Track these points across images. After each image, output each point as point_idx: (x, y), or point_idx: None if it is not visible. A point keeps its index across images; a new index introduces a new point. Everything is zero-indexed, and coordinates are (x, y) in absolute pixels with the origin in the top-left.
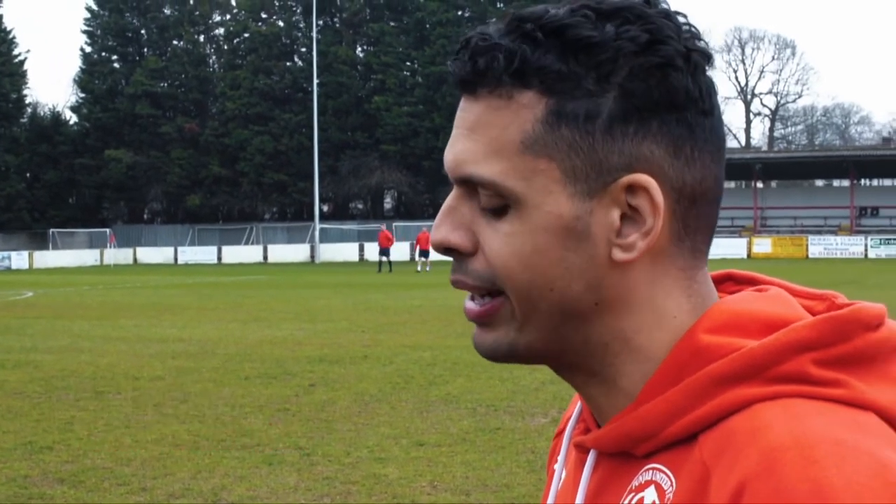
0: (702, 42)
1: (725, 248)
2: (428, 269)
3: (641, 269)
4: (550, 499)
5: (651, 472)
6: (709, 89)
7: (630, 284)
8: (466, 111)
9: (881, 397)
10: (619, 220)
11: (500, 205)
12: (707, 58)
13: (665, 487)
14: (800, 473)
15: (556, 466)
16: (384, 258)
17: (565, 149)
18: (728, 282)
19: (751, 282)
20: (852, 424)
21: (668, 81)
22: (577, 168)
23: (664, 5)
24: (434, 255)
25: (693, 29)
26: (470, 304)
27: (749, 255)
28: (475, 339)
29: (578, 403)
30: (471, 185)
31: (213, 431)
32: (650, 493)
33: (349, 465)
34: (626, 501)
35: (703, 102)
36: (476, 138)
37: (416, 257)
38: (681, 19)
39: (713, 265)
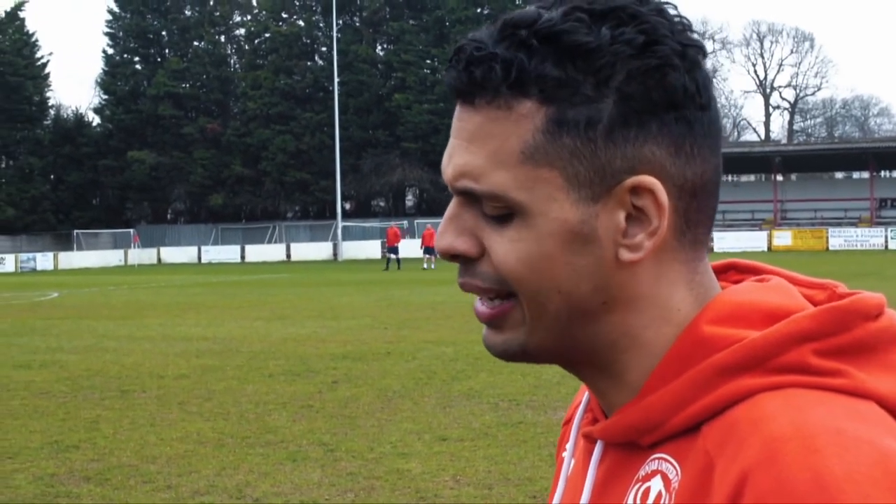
0: (694, 34)
1: (746, 241)
2: (433, 266)
3: (647, 267)
4: (560, 487)
5: (657, 461)
6: (705, 83)
7: (636, 282)
8: (464, 121)
9: (882, 386)
10: (625, 221)
11: (505, 213)
12: (701, 51)
13: (671, 477)
14: (801, 463)
15: (565, 455)
16: (392, 255)
17: (567, 156)
18: (731, 271)
19: (753, 271)
20: (853, 414)
21: (666, 81)
22: (581, 174)
23: (655, 1)
24: None
25: (685, 21)
26: (480, 307)
27: (770, 248)
28: (486, 339)
29: (586, 393)
30: (473, 195)
31: (238, 428)
32: (656, 483)
33: (372, 460)
34: (633, 491)
35: (701, 97)
36: (475, 150)
37: (422, 254)
38: (671, 11)
39: (735, 258)
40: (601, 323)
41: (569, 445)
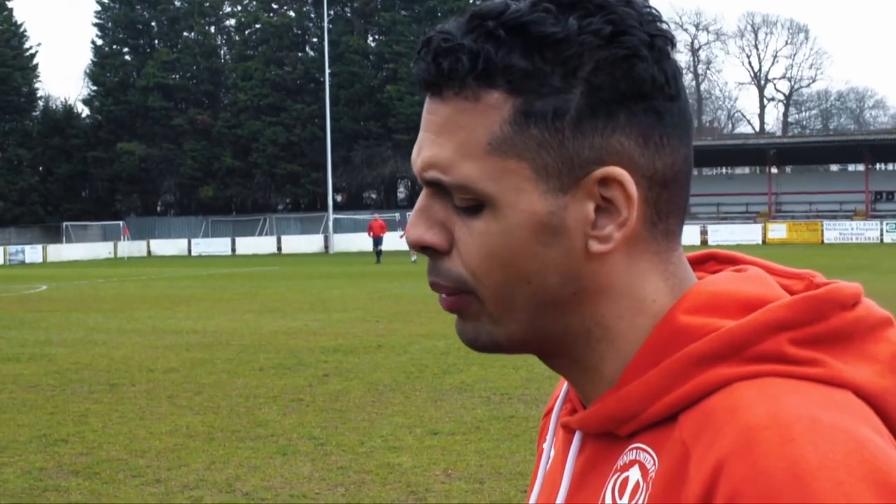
0: (664, 24)
1: (741, 234)
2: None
3: (618, 258)
4: (539, 478)
5: (635, 451)
6: (674, 74)
7: (607, 273)
8: (433, 113)
9: (858, 375)
10: (594, 212)
11: (474, 204)
12: (670, 41)
13: (648, 467)
14: (776, 451)
15: (545, 446)
16: (378, 247)
17: (535, 147)
18: (710, 262)
19: (732, 261)
20: (829, 402)
21: (634, 72)
22: (549, 165)
23: None
24: None
25: (654, 11)
26: (442, 298)
27: (764, 241)
28: (457, 328)
29: (566, 384)
30: (442, 186)
31: (228, 422)
32: (634, 473)
33: (363, 454)
34: (612, 481)
35: (670, 88)
36: (443, 142)
37: (409, 247)
38: (640, 2)
39: (730, 251)
40: (573, 314)
41: (548, 437)
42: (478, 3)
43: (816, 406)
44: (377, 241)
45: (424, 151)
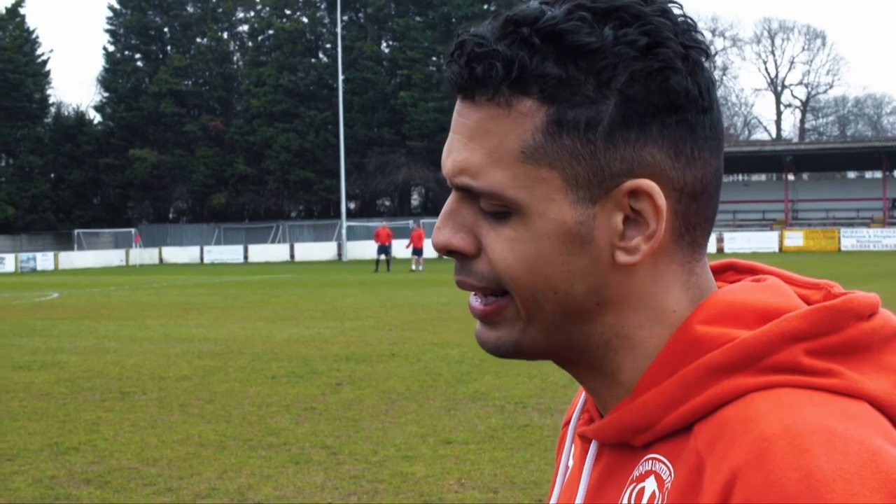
0: (699, 35)
1: (757, 241)
2: (421, 267)
3: (643, 269)
4: (556, 488)
5: (651, 462)
6: (707, 86)
7: (631, 284)
8: (464, 116)
9: (874, 386)
10: (623, 223)
11: (503, 210)
12: (705, 53)
13: (664, 477)
14: (790, 462)
15: (563, 456)
16: (383, 256)
17: (567, 157)
18: (729, 271)
19: (751, 271)
20: (844, 414)
21: (668, 84)
22: (579, 175)
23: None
24: (429, 253)
25: (689, 21)
26: (475, 302)
27: (781, 249)
28: (479, 335)
29: (584, 394)
30: (471, 191)
31: (240, 431)
32: (650, 483)
33: (376, 463)
34: (628, 492)
35: (703, 100)
36: (475, 147)
37: (411, 255)
38: (676, 11)
39: (745, 259)
40: (595, 323)
41: (566, 447)
42: (491, 9)
43: (831, 417)
44: (383, 250)
45: (454, 155)
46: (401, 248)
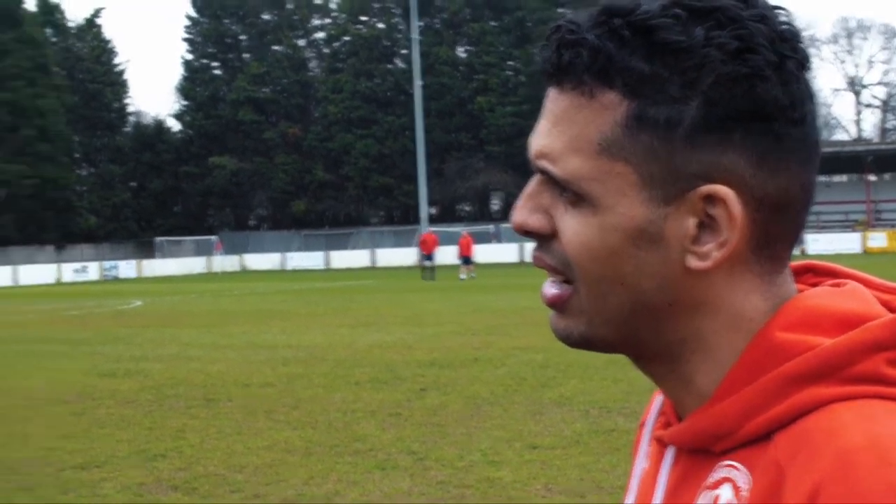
0: (800, 44)
1: (839, 243)
2: (473, 275)
3: (718, 275)
4: (632, 491)
5: (727, 469)
6: (801, 97)
7: (705, 289)
8: (552, 102)
9: None
10: (696, 228)
11: (577, 197)
12: (802, 64)
13: (741, 485)
14: (875, 476)
15: (639, 458)
16: (427, 262)
17: (643, 154)
18: (808, 274)
19: (830, 274)
20: None
21: (754, 92)
22: (654, 174)
23: (762, 4)
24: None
25: (793, 29)
26: (546, 288)
27: (864, 251)
28: (551, 321)
29: (660, 396)
30: (551, 175)
31: (326, 437)
32: (726, 491)
33: (462, 468)
34: (702, 498)
35: (794, 112)
36: (557, 134)
37: (460, 264)
38: (781, 18)
39: (828, 261)
40: (667, 323)
41: (641, 449)
42: (565, 14)
43: None
44: (428, 257)
45: (539, 139)
46: (443, 255)
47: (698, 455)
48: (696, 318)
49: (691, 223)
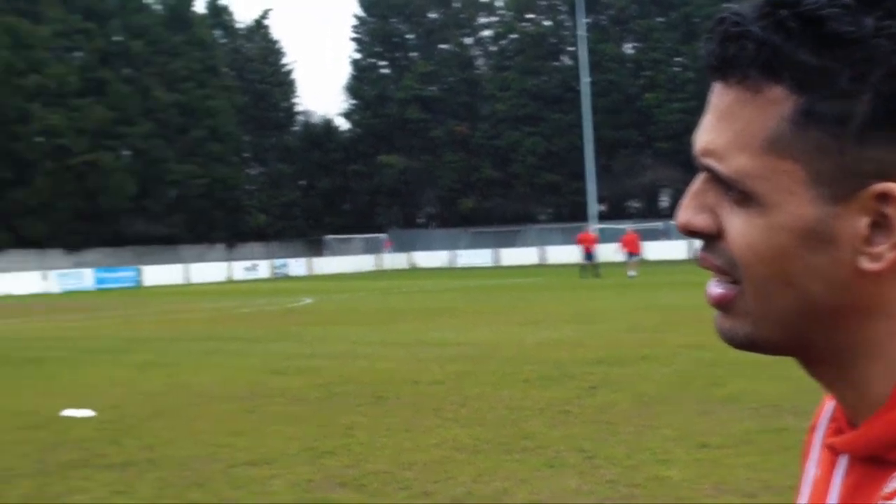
0: None
1: None
2: (633, 273)
3: (891, 277)
4: (804, 496)
5: None
6: None
7: (878, 291)
8: (716, 97)
9: None
10: (868, 228)
11: (743, 195)
12: None
13: None
14: None
15: (809, 464)
16: (587, 261)
17: (812, 151)
18: None
19: None
20: None
21: None
22: (824, 172)
23: None
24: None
25: None
26: (712, 287)
27: None
28: (715, 322)
29: (831, 401)
30: (716, 174)
31: (494, 435)
32: None
33: (631, 467)
34: None
35: None
36: (721, 130)
37: (627, 260)
38: None
39: None
40: (836, 326)
41: (812, 455)
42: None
43: None
44: (588, 256)
45: (703, 135)
46: (606, 253)
47: (872, 463)
48: (868, 322)
49: (863, 223)
